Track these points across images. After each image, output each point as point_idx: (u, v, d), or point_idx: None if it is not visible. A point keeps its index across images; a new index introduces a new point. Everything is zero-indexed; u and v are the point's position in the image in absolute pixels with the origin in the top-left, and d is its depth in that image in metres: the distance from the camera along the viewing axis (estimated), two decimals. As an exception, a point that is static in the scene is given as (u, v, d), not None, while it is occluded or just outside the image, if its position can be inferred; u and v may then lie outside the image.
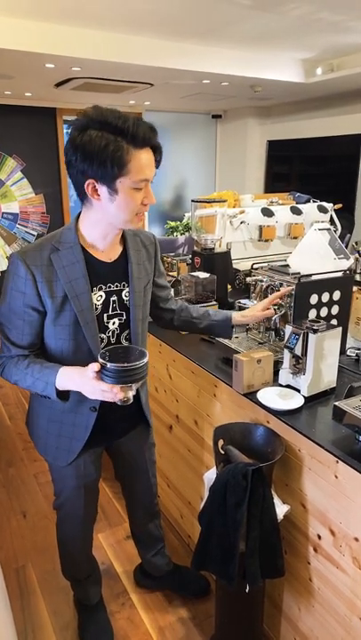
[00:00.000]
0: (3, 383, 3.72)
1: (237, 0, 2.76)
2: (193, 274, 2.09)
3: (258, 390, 1.45)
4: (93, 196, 1.13)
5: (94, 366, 1.07)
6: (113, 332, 1.29)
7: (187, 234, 2.68)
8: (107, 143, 1.05)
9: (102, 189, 1.11)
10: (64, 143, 5.91)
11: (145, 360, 1.09)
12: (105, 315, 1.27)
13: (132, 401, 1.12)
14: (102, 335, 1.27)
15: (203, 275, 2.07)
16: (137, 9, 2.92)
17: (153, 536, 1.76)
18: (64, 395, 1.20)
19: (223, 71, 3.90)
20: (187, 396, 1.87)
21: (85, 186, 1.12)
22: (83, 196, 1.16)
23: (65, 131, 5.87)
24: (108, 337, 1.29)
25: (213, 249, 2.24)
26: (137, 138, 1.07)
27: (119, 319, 1.29)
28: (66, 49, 3.28)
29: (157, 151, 1.14)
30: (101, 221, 1.20)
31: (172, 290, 1.59)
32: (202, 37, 3.53)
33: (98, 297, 1.25)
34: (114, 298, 1.27)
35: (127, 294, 1.29)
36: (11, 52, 3.20)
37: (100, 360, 1.08)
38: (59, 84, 4.36)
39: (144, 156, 1.09)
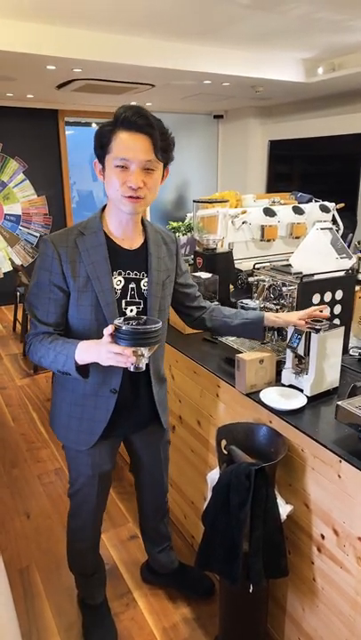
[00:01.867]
0: (6, 384, 3.73)
1: (238, 0, 2.76)
2: (195, 274, 2.10)
3: (261, 390, 1.45)
4: (99, 175, 1.25)
5: (109, 328, 1.10)
6: None
7: (189, 234, 2.68)
8: (102, 126, 1.20)
9: (101, 168, 1.24)
10: (66, 145, 5.94)
11: (158, 325, 1.11)
12: (123, 301, 1.31)
13: (144, 369, 1.13)
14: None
15: (205, 275, 2.08)
16: (138, 10, 2.93)
17: (160, 533, 1.77)
18: (84, 372, 1.22)
19: (224, 71, 3.91)
20: (189, 397, 1.87)
21: (94, 165, 1.26)
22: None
23: (67, 132, 5.88)
24: None
25: (215, 249, 2.24)
26: (123, 121, 1.16)
27: (137, 307, 1.33)
28: (67, 50, 3.29)
29: (152, 136, 1.17)
30: (110, 204, 1.29)
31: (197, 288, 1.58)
32: (203, 38, 3.54)
33: (117, 281, 1.30)
34: (132, 285, 1.31)
35: (146, 284, 1.33)
36: (12, 54, 3.22)
37: (116, 322, 1.10)
38: (60, 86, 4.38)
39: (126, 137, 1.16)
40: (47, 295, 1.26)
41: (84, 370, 1.22)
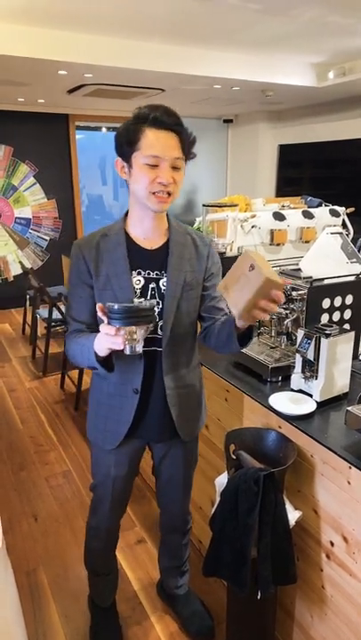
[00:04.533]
0: (15, 387, 3.75)
1: (248, 5, 2.77)
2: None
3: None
4: (121, 173, 1.26)
5: (99, 306, 1.11)
6: None
7: (198, 238, 2.67)
8: (127, 125, 1.20)
9: (125, 166, 1.24)
10: (76, 149, 5.98)
11: (149, 304, 1.11)
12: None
13: (139, 352, 1.13)
14: None
15: (214, 279, 2.07)
16: (148, 15, 2.94)
17: (172, 550, 1.73)
18: (107, 365, 1.24)
19: (234, 76, 3.92)
20: (198, 401, 1.86)
21: (115, 162, 1.26)
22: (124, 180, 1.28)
23: (77, 136, 5.93)
24: None
25: (225, 253, 2.24)
26: (151, 119, 1.17)
27: (157, 307, 1.31)
28: (78, 56, 3.32)
29: (180, 134, 1.19)
30: (134, 202, 1.29)
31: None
32: (213, 42, 3.55)
33: (136, 281, 1.30)
34: (152, 285, 1.31)
35: (165, 284, 1.32)
36: (25, 60, 3.25)
37: (108, 304, 1.10)
38: (71, 91, 4.41)
39: (157, 134, 1.17)
40: (79, 294, 1.32)
41: (106, 363, 1.23)
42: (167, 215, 1.35)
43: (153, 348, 1.31)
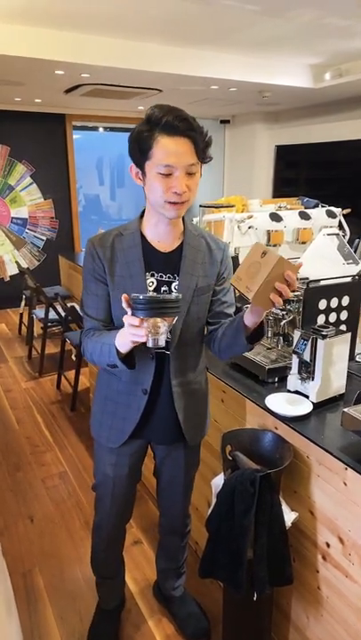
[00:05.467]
0: (11, 387, 3.73)
1: (245, 6, 2.77)
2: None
3: (238, 290, 1.20)
4: (136, 179, 1.23)
5: (124, 296, 1.09)
6: None
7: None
8: (140, 131, 1.16)
9: (139, 173, 1.21)
10: (73, 149, 5.97)
11: (174, 296, 1.09)
12: None
13: (162, 345, 1.10)
14: None
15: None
16: (146, 16, 2.94)
17: (169, 553, 1.73)
18: (129, 362, 1.21)
19: (231, 77, 3.92)
20: (194, 402, 1.86)
21: (130, 168, 1.24)
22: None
23: (74, 136, 5.92)
24: None
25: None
26: (163, 125, 1.13)
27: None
28: (75, 55, 3.31)
29: (194, 139, 1.15)
30: (149, 207, 1.28)
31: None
32: (210, 43, 3.55)
33: (150, 282, 1.30)
34: (165, 288, 1.31)
35: (176, 287, 1.31)
36: (21, 59, 3.24)
37: (133, 294, 1.08)
38: (68, 91, 4.40)
39: (169, 142, 1.13)
40: (94, 292, 1.31)
41: (128, 360, 1.21)
42: (183, 218, 1.33)
43: (161, 350, 1.30)
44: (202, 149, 1.18)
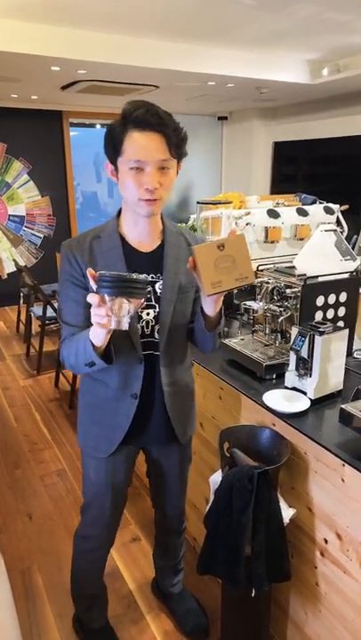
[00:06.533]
0: (9, 385, 3.73)
1: (243, 1, 2.75)
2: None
3: (232, 289, 1.13)
4: (112, 176, 1.21)
5: (90, 271, 1.03)
6: (147, 322, 1.28)
7: (192, 235, 2.66)
8: (113, 126, 1.14)
9: (114, 170, 1.19)
10: (70, 146, 5.95)
11: (142, 277, 1.02)
12: None
13: (126, 328, 1.03)
14: (137, 325, 1.27)
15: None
16: (142, 11, 2.93)
17: (167, 550, 1.72)
18: (106, 356, 1.17)
19: (228, 73, 3.91)
20: (192, 399, 1.86)
21: (105, 166, 1.21)
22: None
23: (71, 133, 5.90)
24: (142, 327, 1.28)
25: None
26: (134, 119, 1.11)
27: (153, 311, 1.28)
28: (71, 51, 3.29)
29: (166, 134, 1.12)
30: (125, 207, 1.26)
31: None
32: (207, 39, 3.54)
33: None
34: (149, 288, 1.26)
35: (160, 287, 1.28)
36: (17, 56, 3.22)
37: (100, 272, 1.01)
38: (64, 87, 4.39)
39: (140, 137, 1.11)
40: (73, 298, 1.25)
41: (105, 355, 1.17)
42: (161, 215, 1.30)
43: (150, 351, 1.29)
44: (175, 145, 1.15)
